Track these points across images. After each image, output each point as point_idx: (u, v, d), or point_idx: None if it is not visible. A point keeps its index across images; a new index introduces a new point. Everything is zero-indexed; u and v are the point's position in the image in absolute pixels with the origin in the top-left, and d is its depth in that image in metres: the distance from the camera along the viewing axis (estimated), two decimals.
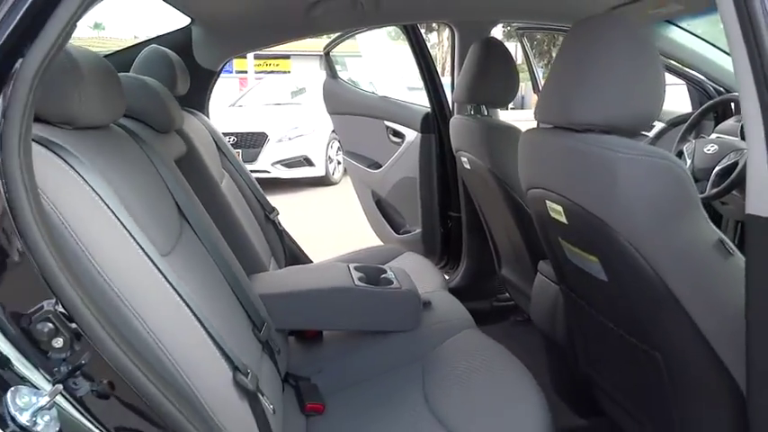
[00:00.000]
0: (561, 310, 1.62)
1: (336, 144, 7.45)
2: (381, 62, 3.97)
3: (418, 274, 1.92)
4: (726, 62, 2.33)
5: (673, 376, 1.15)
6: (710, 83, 2.47)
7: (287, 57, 17.08)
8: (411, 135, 2.74)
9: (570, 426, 1.70)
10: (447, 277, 2.55)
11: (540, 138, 1.32)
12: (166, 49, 1.99)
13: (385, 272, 1.72)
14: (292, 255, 2.47)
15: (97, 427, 0.77)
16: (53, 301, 0.76)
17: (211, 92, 2.42)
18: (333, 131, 7.16)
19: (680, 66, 2.46)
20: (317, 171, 7.29)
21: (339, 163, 7.59)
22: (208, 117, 2.38)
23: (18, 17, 0.72)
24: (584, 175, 1.13)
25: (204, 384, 0.94)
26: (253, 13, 2.12)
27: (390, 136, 2.88)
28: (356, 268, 1.71)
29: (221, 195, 1.87)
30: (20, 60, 0.74)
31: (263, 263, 1.92)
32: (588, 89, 1.11)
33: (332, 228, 4.61)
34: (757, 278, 0.88)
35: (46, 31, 0.74)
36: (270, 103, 8.11)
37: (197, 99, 2.31)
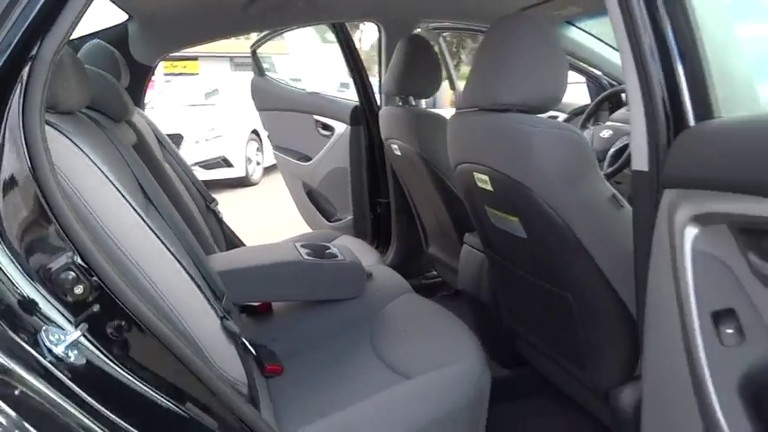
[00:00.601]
0: (486, 274, 1.85)
1: (255, 144, 7.46)
2: (310, 60, 4.08)
3: (356, 252, 2.05)
4: (617, 58, 2.64)
5: (582, 313, 1.38)
6: (605, 77, 2.79)
7: (195, 59, 16.62)
8: (341, 128, 2.89)
9: (495, 376, 1.92)
10: None
11: (467, 119, 1.52)
12: (107, 44, 2.05)
13: (329, 248, 1.86)
14: (232, 243, 2.57)
15: (116, 365, 0.89)
16: (72, 253, 0.88)
17: (147, 87, 2.49)
18: (251, 132, 7.22)
19: (579, 63, 2.76)
20: (236, 172, 7.27)
21: (258, 163, 7.61)
22: (143, 111, 2.44)
23: (39, 5, 0.84)
24: (506, 146, 1.35)
25: (200, 330, 1.07)
26: (190, 10, 2.20)
27: (320, 129, 3.02)
28: (302, 245, 1.84)
29: (171, 182, 1.96)
30: (40, 42, 0.85)
31: (212, 245, 2.03)
32: (505, 76, 1.33)
33: (259, 226, 4.66)
34: (641, 224, 1.09)
35: (62, 17, 0.86)
36: (183, 104, 7.97)
37: (134, 94, 2.35)
